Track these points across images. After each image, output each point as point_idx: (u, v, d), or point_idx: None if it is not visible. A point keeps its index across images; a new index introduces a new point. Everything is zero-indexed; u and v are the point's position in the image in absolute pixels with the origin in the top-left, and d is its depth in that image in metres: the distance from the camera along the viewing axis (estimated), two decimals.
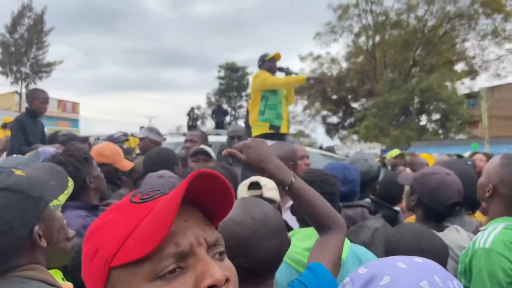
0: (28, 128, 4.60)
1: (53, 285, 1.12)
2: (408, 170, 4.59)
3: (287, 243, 1.30)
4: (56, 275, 1.44)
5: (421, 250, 1.53)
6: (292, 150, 3.00)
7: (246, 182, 2.30)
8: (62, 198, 1.69)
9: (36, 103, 4.70)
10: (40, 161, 2.79)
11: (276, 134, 5.18)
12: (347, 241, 1.76)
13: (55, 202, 1.53)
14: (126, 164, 3.15)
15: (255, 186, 2.26)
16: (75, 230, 1.63)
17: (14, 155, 3.21)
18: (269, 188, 2.25)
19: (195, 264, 0.63)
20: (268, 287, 1.26)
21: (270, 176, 1.40)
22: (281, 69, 5.42)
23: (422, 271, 0.79)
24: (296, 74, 5.53)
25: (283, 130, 5.26)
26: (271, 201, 2.17)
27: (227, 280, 0.64)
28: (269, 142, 4.53)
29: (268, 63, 5.37)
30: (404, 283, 0.77)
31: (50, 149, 2.91)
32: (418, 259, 0.83)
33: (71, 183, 1.72)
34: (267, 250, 1.22)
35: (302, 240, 1.70)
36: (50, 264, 1.42)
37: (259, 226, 1.23)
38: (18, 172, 1.19)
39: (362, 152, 4.46)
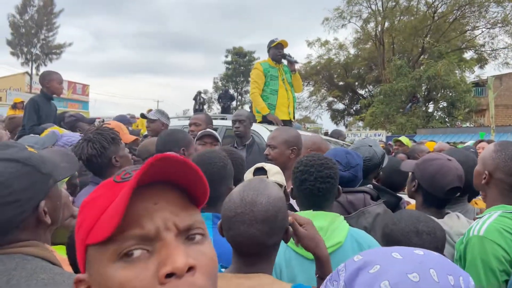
0: (41, 110, 4.66)
1: (54, 264, 1.13)
2: (402, 156, 4.58)
3: (279, 231, 1.29)
4: (60, 251, 1.45)
5: (417, 232, 1.54)
6: (297, 136, 3.03)
7: (251, 169, 2.35)
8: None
9: (54, 84, 4.77)
10: (60, 140, 2.89)
11: (284, 121, 5.21)
12: (346, 225, 1.78)
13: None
14: (128, 137, 3.20)
15: (260, 171, 2.31)
16: None
17: (31, 135, 3.28)
18: (274, 173, 2.29)
19: (160, 250, 0.61)
20: (264, 269, 1.27)
21: (323, 259, 1.42)
22: (283, 56, 5.41)
23: (416, 263, 0.75)
24: (296, 62, 5.51)
25: (281, 117, 5.27)
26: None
27: (191, 268, 0.61)
28: (273, 128, 4.60)
29: (273, 50, 5.37)
30: (392, 273, 0.74)
31: (75, 136, 2.98)
32: (419, 251, 0.80)
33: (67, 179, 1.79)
34: (248, 234, 1.23)
35: None
36: (54, 240, 1.43)
37: (244, 209, 1.24)
38: (30, 149, 1.22)
39: (367, 138, 4.47)
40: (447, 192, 2.04)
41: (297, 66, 5.59)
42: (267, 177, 2.24)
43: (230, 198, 1.30)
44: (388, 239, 1.58)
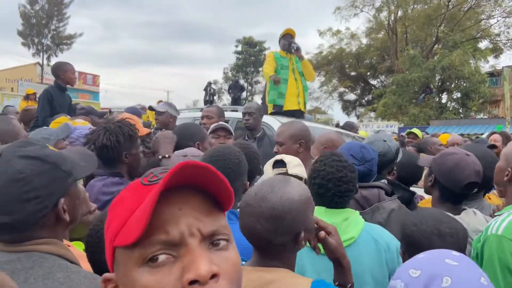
0: (55, 101, 4.70)
1: (72, 262, 1.14)
2: (411, 148, 4.52)
3: (287, 233, 1.26)
4: (79, 246, 1.49)
5: (439, 234, 1.49)
6: (303, 129, 3.00)
7: (271, 161, 2.32)
8: None
9: (69, 74, 4.83)
10: (74, 132, 2.90)
11: (287, 112, 5.24)
12: (361, 220, 1.76)
13: None
14: (142, 130, 3.21)
15: (279, 164, 2.27)
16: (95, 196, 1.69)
17: (45, 127, 3.29)
18: (294, 165, 2.25)
19: (184, 255, 0.61)
20: (282, 264, 1.27)
21: (346, 266, 1.42)
22: (290, 45, 5.41)
23: (474, 267, 0.79)
24: (298, 48, 5.46)
25: (291, 107, 5.30)
26: (297, 177, 2.17)
27: (214, 276, 0.61)
28: (284, 120, 4.56)
29: (282, 40, 5.43)
30: (466, 282, 0.76)
31: (85, 129, 2.99)
32: (456, 253, 0.83)
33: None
34: (252, 227, 1.25)
35: (320, 217, 1.72)
36: (72, 235, 1.46)
37: (254, 202, 1.26)
38: (51, 148, 1.25)
39: (381, 132, 4.41)
40: (464, 187, 2.01)
41: (307, 56, 5.60)
42: (287, 170, 2.19)
43: (250, 190, 1.33)
44: (409, 241, 1.53)
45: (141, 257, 0.61)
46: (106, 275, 0.67)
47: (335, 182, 1.73)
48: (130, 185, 0.70)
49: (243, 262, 1.32)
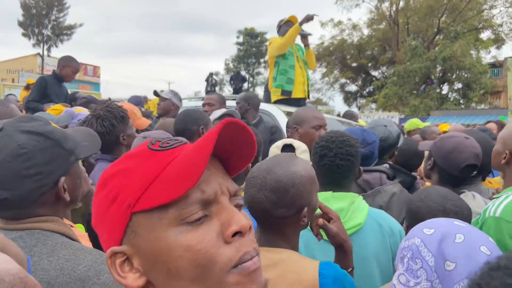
0: (50, 89, 4.68)
1: (73, 239, 1.13)
2: (418, 137, 4.56)
3: (288, 206, 1.28)
4: (80, 228, 1.48)
5: (445, 211, 1.50)
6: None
7: (279, 144, 2.32)
8: None
9: (68, 71, 4.79)
10: (74, 121, 2.92)
11: (292, 99, 5.19)
12: (365, 205, 1.76)
13: None
14: (142, 122, 3.20)
15: (287, 148, 2.29)
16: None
17: (46, 112, 3.31)
18: (302, 151, 2.27)
19: (220, 212, 0.64)
20: (286, 245, 1.30)
21: (347, 251, 1.45)
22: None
23: (478, 230, 0.88)
24: (309, 34, 5.38)
25: (298, 94, 5.22)
26: None
27: (250, 228, 0.65)
28: (287, 108, 4.56)
29: (284, 28, 5.27)
30: (479, 238, 0.83)
31: (85, 113, 3.01)
32: (459, 221, 0.92)
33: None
34: (255, 197, 1.28)
35: (326, 202, 1.71)
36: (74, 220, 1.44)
37: (259, 173, 1.29)
38: (54, 125, 1.22)
39: (381, 118, 4.42)
40: (462, 170, 2.02)
41: (310, 47, 5.51)
42: (295, 155, 2.23)
43: (256, 164, 1.35)
44: (414, 216, 1.55)
45: (178, 217, 0.62)
46: (114, 248, 0.65)
47: (338, 144, 1.77)
48: (131, 155, 0.69)
49: None
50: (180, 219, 0.62)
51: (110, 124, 2.26)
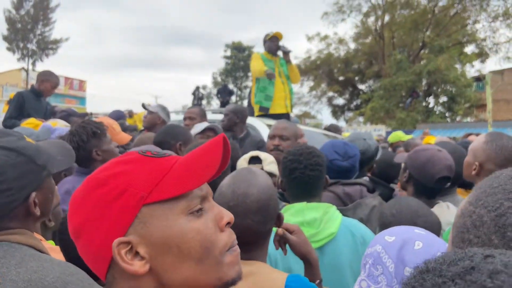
0: (28, 104, 4.62)
1: (41, 251, 1.13)
2: (402, 149, 4.60)
3: (272, 219, 1.32)
4: (51, 244, 1.47)
5: (415, 226, 1.56)
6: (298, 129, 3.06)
7: (246, 156, 2.35)
8: None
9: (47, 86, 4.74)
10: (53, 136, 2.89)
11: (281, 115, 5.21)
12: (338, 215, 1.79)
13: None
14: (122, 138, 3.17)
15: (255, 160, 2.31)
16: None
17: (26, 127, 3.27)
18: (269, 162, 2.31)
19: (211, 207, 0.79)
20: (257, 256, 1.29)
21: (313, 263, 1.42)
22: (278, 48, 5.39)
23: (437, 238, 0.90)
24: (289, 51, 5.43)
25: (278, 110, 5.28)
26: (271, 174, 2.21)
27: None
28: (269, 121, 4.57)
29: (268, 43, 5.37)
30: (437, 246, 0.86)
31: (64, 130, 2.98)
32: (419, 229, 0.95)
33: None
34: (242, 225, 1.25)
35: (295, 215, 1.74)
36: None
37: (237, 201, 1.26)
38: (28, 140, 1.22)
39: (360, 131, 4.45)
40: (436, 181, 2.07)
41: (296, 61, 5.60)
42: (262, 167, 2.24)
43: (221, 192, 1.31)
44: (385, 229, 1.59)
45: (187, 207, 0.74)
46: (120, 239, 0.71)
47: (306, 156, 1.82)
48: (123, 161, 0.77)
49: None
50: (188, 209, 0.74)
51: (80, 140, 2.28)
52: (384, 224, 1.62)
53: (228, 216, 0.79)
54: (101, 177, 0.75)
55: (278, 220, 1.36)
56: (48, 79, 4.74)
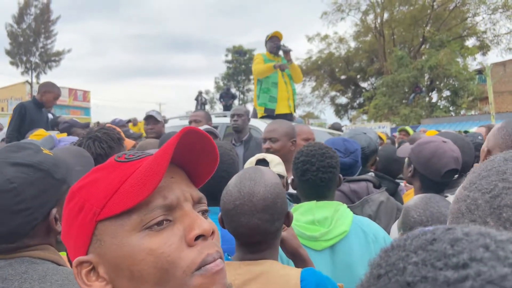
0: (29, 115, 4.62)
1: (63, 266, 1.11)
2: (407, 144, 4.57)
3: (280, 217, 1.30)
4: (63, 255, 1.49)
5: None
6: (294, 128, 3.02)
7: (252, 159, 2.34)
8: None
9: (49, 97, 4.75)
10: (58, 145, 2.89)
11: (279, 115, 5.22)
12: (349, 213, 1.77)
13: None
14: (126, 143, 3.19)
15: (262, 162, 2.30)
16: None
17: (29, 139, 3.28)
18: (276, 164, 2.28)
19: (182, 217, 0.67)
20: (268, 255, 1.28)
21: (305, 258, 1.44)
22: (279, 47, 5.40)
23: None
24: (290, 50, 5.42)
25: (282, 110, 5.30)
26: (278, 176, 2.20)
27: (213, 232, 0.68)
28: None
29: (269, 43, 5.40)
30: None
31: (73, 140, 2.97)
32: None
33: None
34: (250, 224, 1.24)
35: (304, 214, 1.73)
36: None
37: (243, 200, 1.25)
38: (45, 151, 1.17)
39: (359, 127, 4.42)
40: (443, 175, 2.00)
41: (297, 62, 5.61)
42: (269, 168, 2.23)
43: (227, 191, 1.30)
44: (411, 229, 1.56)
45: (140, 223, 0.64)
46: (80, 258, 0.67)
47: (319, 158, 1.76)
48: (98, 168, 0.72)
49: (230, 257, 1.33)
50: (142, 224, 0.64)
51: (109, 147, 2.21)
52: (408, 225, 1.55)
53: (201, 227, 0.65)
54: (73, 189, 0.71)
55: (288, 219, 1.34)
56: (50, 90, 4.75)
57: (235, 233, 1.29)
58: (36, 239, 1.09)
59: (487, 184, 0.64)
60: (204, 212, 0.71)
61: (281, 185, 1.34)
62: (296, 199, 2.09)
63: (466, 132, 7.20)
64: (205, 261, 0.65)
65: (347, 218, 1.73)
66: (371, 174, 2.65)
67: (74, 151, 1.74)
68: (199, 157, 0.73)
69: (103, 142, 2.21)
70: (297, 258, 1.43)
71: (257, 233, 1.26)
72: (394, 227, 1.90)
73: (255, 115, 5.47)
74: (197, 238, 0.65)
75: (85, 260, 0.66)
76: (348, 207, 1.85)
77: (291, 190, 2.21)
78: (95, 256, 0.66)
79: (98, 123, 6.51)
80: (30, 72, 31.44)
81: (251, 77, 41.58)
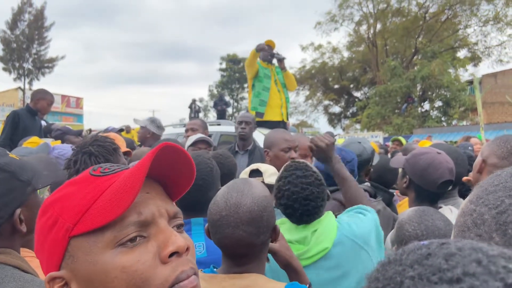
0: (22, 123, 4.59)
1: (27, 272, 1.10)
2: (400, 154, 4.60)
3: (266, 231, 1.26)
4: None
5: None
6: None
7: (247, 170, 2.32)
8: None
9: (43, 104, 4.72)
10: (52, 152, 2.85)
11: (273, 123, 5.25)
12: (333, 227, 1.66)
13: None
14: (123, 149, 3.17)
15: (255, 173, 2.29)
16: None
17: (23, 146, 3.25)
18: (270, 174, 2.26)
19: (157, 233, 0.66)
20: (254, 269, 1.26)
21: (298, 269, 1.40)
22: (272, 55, 5.45)
23: None
24: (283, 58, 5.49)
25: (273, 117, 5.31)
26: (272, 186, 2.17)
27: (187, 249, 0.67)
28: (266, 131, 4.59)
29: (263, 52, 5.41)
30: None
31: (67, 148, 2.94)
32: None
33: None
34: (234, 236, 1.22)
35: (285, 232, 1.62)
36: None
37: (229, 211, 1.23)
38: (12, 155, 1.20)
39: (354, 136, 4.43)
40: (439, 186, 2.01)
41: (291, 71, 5.63)
42: (263, 179, 2.20)
43: (215, 201, 1.29)
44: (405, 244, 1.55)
45: (114, 239, 0.63)
46: (52, 273, 0.66)
47: (301, 202, 1.60)
48: (73, 181, 0.70)
49: (215, 270, 1.31)
50: (116, 241, 0.63)
51: (105, 160, 2.13)
52: (402, 240, 1.52)
53: (175, 244, 0.65)
54: (46, 203, 0.69)
55: (274, 233, 1.30)
56: (44, 97, 4.73)
57: (220, 244, 1.27)
58: (1, 240, 1.10)
59: (494, 199, 0.64)
60: (179, 226, 0.71)
61: (269, 198, 1.31)
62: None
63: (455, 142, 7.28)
64: (179, 279, 0.64)
65: (330, 233, 1.63)
66: (367, 184, 2.66)
67: (42, 157, 1.76)
68: (175, 171, 0.72)
69: (99, 156, 2.16)
70: (290, 270, 1.41)
71: (241, 245, 1.23)
72: (388, 239, 1.90)
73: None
74: (172, 254, 0.65)
75: (58, 276, 0.65)
76: None
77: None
78: (68, 272, 0.65)
79: (90, 130, 6.48)
80: (23, 79, 31.26)
81: (245, 85, 41.79)
